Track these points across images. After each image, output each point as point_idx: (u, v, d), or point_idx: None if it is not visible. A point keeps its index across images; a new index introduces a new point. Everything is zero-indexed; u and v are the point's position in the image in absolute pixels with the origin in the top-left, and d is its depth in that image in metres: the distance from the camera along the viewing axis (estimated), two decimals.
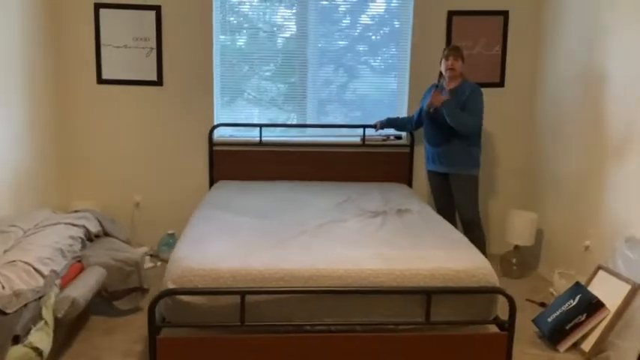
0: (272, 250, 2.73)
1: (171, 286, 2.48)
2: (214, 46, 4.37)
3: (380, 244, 2.89)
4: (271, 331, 2.49)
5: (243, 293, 2.43)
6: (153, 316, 2.40)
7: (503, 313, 2.62)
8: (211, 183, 4.47)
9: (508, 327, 2.55)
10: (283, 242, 2.85)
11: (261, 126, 4.47)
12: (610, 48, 3.45)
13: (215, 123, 4.46)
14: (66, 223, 3.26)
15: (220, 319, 2.49)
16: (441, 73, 3.92)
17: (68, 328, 3.06)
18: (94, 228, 3.45)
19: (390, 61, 4.57)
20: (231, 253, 2.66)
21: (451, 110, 3.65)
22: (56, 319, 2.63)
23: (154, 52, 4.28)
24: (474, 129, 3.74)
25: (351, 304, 2.53)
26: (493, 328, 2.71)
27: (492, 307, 2.63)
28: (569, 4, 3.97)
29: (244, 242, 2.84)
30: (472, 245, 2.91)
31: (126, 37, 4.24)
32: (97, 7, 4.18)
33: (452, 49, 3.82)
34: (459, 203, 3.88)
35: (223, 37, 4.43)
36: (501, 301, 2.58)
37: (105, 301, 3.28)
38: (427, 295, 2.51)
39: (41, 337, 2.47)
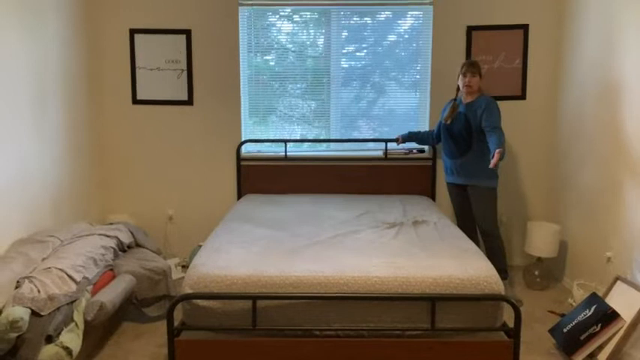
0: (284, 259, 2.86)
1: (188, 291, 2.65)
2: (241, 66, 4.59)
3: (390, 253, 2.98)
4: (281, 335, 2.62)
5: (254, 298, 2.57)
6: (171, 319, 2.57)
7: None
8: (239, 197, 4.66)
9: (514, 334, 2.59)
10: (296, 251, 2.98)
11: (286, 141, 4.64)
12: (631, 60, 3.44)
13: (242, 139, 4.66)
14: (100, 234, 3.49)
15: (234, 323, 2.64)
16: (458, 88, 3.98)
17: (102, 332, 3.29)
18: (126, 239, 3.67)
19: (417, 76, 4.66)
20: (246, 261, 2.81)
21: (501, 152, 3.50)
22: (86, 322, 2.84)
23: (185, 73, 4.53)
24: (503, 137, 3.67)
25: (358, 310, 2.64)
26: (503, 336, 2.75)
27: (498, 315, 2.67)
28: (588, 17, 3.99)
29: (259, 251, 2.98)
30: (481, 254, 2.95)
31: (158, 60, 4.52)
32: (132, 32, 4.48)
33: (470, 66, 3.84)
34: (476, 215, 3.90)
35: (254, 57, 4.64)
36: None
37: (135, 308, 3.49)
38: (431, 302, 2.58)
39: (71, 338, 2.68)
